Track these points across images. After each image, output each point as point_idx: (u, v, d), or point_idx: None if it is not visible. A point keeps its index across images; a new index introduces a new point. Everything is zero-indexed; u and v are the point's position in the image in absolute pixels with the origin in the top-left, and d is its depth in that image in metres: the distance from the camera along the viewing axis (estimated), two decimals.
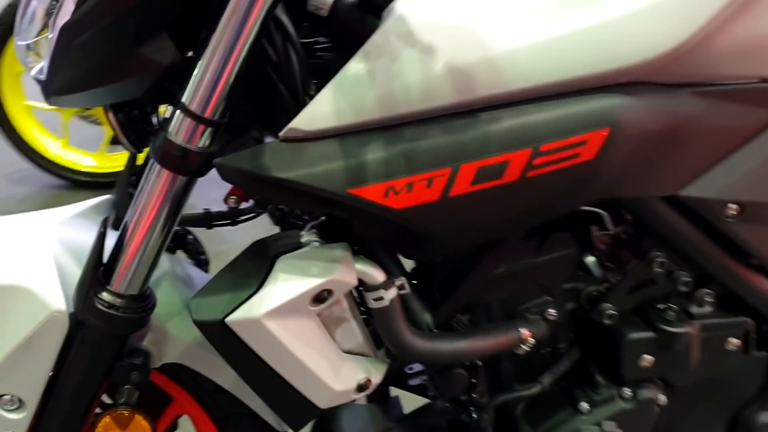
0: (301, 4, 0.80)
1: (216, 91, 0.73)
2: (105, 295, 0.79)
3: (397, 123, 0.74)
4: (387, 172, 0.72)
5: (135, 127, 0.84)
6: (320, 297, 0.78)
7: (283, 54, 0.78)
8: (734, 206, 0.87)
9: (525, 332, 0.92)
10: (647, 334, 0.95)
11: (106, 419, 0.86)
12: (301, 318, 0.79)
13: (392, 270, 0.87)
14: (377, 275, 0.83)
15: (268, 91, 0.80)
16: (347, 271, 0.79)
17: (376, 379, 0.88)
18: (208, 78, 0.72)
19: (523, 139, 0.74)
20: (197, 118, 0.73)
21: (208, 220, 0.95)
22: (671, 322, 0.95)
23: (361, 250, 0.85)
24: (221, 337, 0.76)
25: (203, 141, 0.74)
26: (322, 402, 0.84)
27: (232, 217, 0.95)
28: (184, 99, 0.73)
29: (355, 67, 0.73)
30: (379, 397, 1.05)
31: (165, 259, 0.95)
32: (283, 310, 0.76)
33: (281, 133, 0.73)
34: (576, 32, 0.75)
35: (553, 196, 0.79)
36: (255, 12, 0.70)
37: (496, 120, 0.74)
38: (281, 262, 0.78)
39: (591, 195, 0.83)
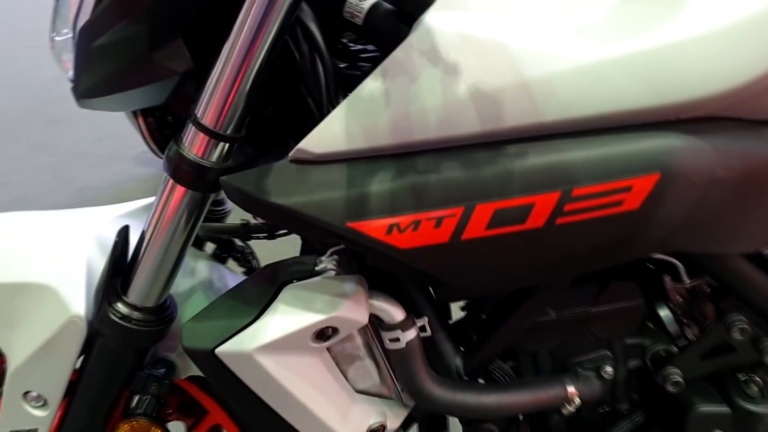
0: (338, 11, 0.74)
1: (227, 104, 0.68)
2: (120, 306, 0.77)
3: (412, 151, 0.66)
4: (392, 206, 0.64)
5: (167, 132, 0.82)
6: (324, 334, 0.73)
7: (310, 63, 0.72)
8: None
9: (572, 390, 0.81)
10: (722, 409, 0.81)
11: (125, 427, 0.86)
12: (302, 355, 0.73)
13: (419, 307, 0.79)
14: (395, 314, 0.76)
15: (299, 103, 0.75)
16: (356, 307, 0.73)
17: (393, 424, 0.81)
18: (220, 90, 0.68)
19: (552, 179, 0.64)
20: (210, 133, 0.69)
21: (246, 232, 0.92)
22: (753, 398, 0.80)
23: (383, 284, 0.78)
24: (212, 367, 0.72)
25: (217, 155, 0.70)
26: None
27: (269, 231, 0.91)
28: (196, 111, 0.69)
29: (371, 85, 0.65)
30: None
31: (204, 268, 0.94)
32: (280, 346, 0.71)
33: (290, 154, 0.68)
34: (630, 57, 0.63)
35: (590, 248, 0.68)
36: (270, 19, 0.65)
37: (522, 155, 0.64)
38: (286, 292, 0.73)
39: (641, 249, 0.71)
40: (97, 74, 0.71)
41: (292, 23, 0.69)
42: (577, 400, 0.81)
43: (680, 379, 0.80)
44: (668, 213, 0.66)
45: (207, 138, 0.69)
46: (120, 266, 0.78)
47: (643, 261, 0.81)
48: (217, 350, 0.71)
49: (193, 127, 0.69)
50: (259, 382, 0.73)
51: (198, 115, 0.69)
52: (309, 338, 0.72)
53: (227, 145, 0.70)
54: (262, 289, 0.75)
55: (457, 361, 0.82)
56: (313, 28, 0.72)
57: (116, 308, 0.77)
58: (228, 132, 0.70)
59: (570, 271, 0.73)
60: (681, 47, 0.63)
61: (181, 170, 0.71)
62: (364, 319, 0.73)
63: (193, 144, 0.70)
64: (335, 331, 0.73)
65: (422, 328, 0.78)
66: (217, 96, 0.68)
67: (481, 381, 0.85)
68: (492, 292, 0.79)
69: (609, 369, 0.84)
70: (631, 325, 0.85)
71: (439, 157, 0.65)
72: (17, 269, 0.83)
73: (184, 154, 0.70)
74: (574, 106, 0.63)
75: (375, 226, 0.64)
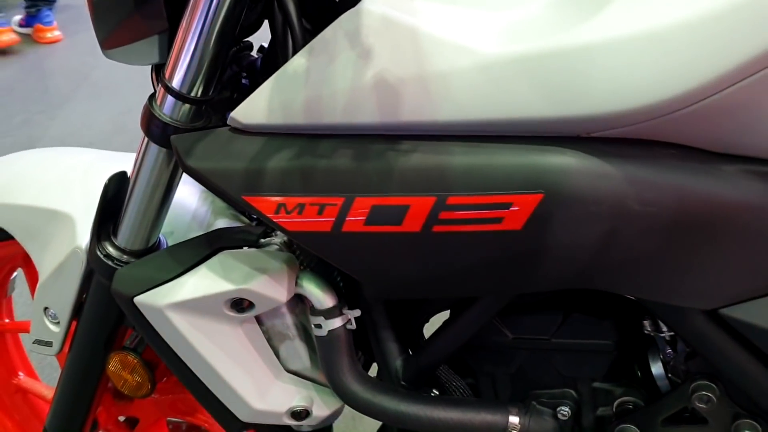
0: None
1: (191, 66, 0.70)
2: (108, 247, 0.84)
3: (321, 133, 0.65)
4: (282, 185, 0.64)
5: None
6: (238, 305, 0.74)
7: (282, 35, 0.73)
8: None
9: (514, 421, 0.74)
10: None
11: (116, 358, 0.95)
12: (219, 322, 0.75)
13: (360, 300, 0.77)
14: (323, 300, 0.75)
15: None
16: (275, 285, 0.73)
17: (320, 411, 0.80)
18: (184, 52, 0.70)
19: (428, 183, 0.59)
20: (175, 94, 0.71)
21: None
22: None
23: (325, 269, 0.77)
24: (132, 314, 0.76)
25: (184, 116, 0.73)
26: (241, 415, 0.79)
27: None
28: (164, 72, 0.72)
29: (297, 62, 0.65)
30: None
31: (220, 223, 0.98)
32: (192, 307, 0.74)
33: (228, 120, 0.70)
34: (533, 59, 0.56)
35: (477, 266, 0.61)
36: None
37: (408, 153, 0.60)
38: (218, 257, 0.76)
39: (550, 279, 0.62)
40: (101, 29, 0.76)
41: None
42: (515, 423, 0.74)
43: None
44: (565, 242, 0.57)
45: (173, 99, 0.72)
46: (111, 210, 0.85)
47: (623, 299, 0.71)
48: (135, 299, 0.75)
49: (161, 88, 0.73)
50: (171, 338, 0.76)
51: (165, 76, 0.72)
52: (223, 306, 0.74)
53: (193, 107, 0.73)
54: (199, 250, 0.77)
55: (398, 364, 0.79)
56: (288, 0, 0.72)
57: (104, 248, 0.84)
58: (193, 94, 0.72)
59: (464, 289, 0.67)
60: (590, 53, 0.54)
61: (151, 127, 0.74)
62: (282, 297, 0.73)
63: (162, 104, 0.73)
64: (251, 304, 0.74)
65: (349, 322, 0.76)
66: (181, 58, 0.70)
67: (435, 391, 0.81)
68: (403, 296, 0.74)
69: (566, 410, 0.75)
70: (599, 367, 0.75)
71: (339, 143, 0.63)
72: (55, 197, 0.95)
73: (154, 113, 0.73)
74: (467, 108, 0.58)
75: (265, 204, 0.64)
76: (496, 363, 0.79)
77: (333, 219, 0.62)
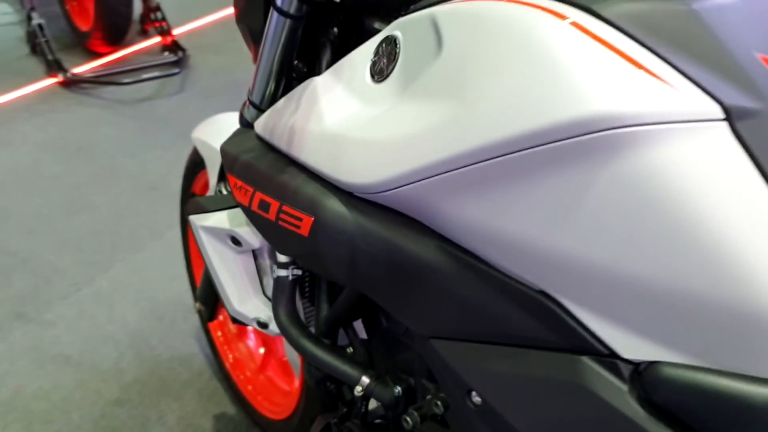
0: None
1: None
2: (248, 105, 1.00)
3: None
4: (244, 177, 0.92)
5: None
6: (235, 241, 1.05)
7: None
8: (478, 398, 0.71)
9: (365, 381, 0.92)
10: None
11: None
12: (224, 246, 1.09)
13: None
14: (279, 255, 1.01)
15: None
16: (253, 237, 1.05)
17: (275, 329, 1.05)
18: None
19: (276, 189, 0.83)
20: None
21: None
22: None
23: None
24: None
25: None
26: (228, 309, 1.12)
27: None
28: None
29: (282, 101, 0.90)
30: None
31: None
32: (211, 232, 1.09)
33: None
34: (333, 136, 0.77)
35: (301, 257, 0.89)
36: None
37: (298, 175, 0.83)
38: (236, 210, 1.06)
39: (338, 277, 0.81)
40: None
41: None
42: (359, 390, 0.93)
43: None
44: (331, 252, 0.77)
45: None
46: None
47: None
48: (189, 217, 1.12)
49: None
50: (200, 244, 1.11)
51: None
52: (226, 238, 1.05)
53: None
54: (231, 203, 1.07)
55: (321, 316, 1.01)
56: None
57: (244, 107, 1.01)
58: None
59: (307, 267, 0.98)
60: (353, 142, 0.73)
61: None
62: (255, 244, 1.06)
63: None
64: (239, 242, 1.06)
65: (293, 272, 1.01)
66: None
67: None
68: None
69: (398, 389, 0.92)
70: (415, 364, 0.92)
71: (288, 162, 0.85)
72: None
73: None
74: (308, 152, 0.80)
75: (233, 181, 0.93)
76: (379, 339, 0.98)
77: (248, 198, 0.89)
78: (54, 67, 3.59)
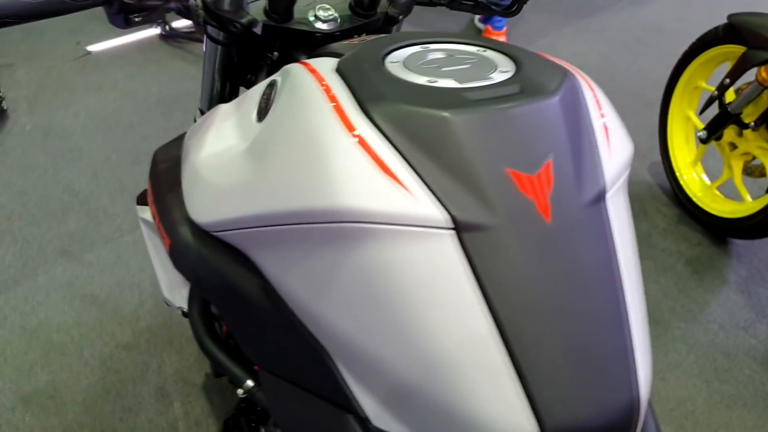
0: None
1: None
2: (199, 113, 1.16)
3: None
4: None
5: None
6: None
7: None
8: None
9: (250, 384, 0.91)
10: None
11: None
12: (157, 238, 1.10)
13: None
14: None
15: None
16: None
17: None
18: None
19: (158, 205, 0.91)
20: None
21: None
22: None
23: None
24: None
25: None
26: (162, 291, 1.17)
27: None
28: None
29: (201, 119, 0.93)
30: None
31: None
32: (146, 223, 1.14)
33: None
34: (197, 168, 0.81)
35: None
36: None
37: (176, 192, 0.87)
38: None
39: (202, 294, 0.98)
40: None
41: None
42: (241, 392, 0.92)
43: None
44: (189, 278, 0.87)
45: None
46: None
47: None
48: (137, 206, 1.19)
49: None
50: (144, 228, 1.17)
51: None
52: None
53: None
54: None
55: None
56: None
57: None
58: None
59: None
60: (205, 183, 0.77)
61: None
62: None
63: None
64: None
65: None
66: None
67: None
68: None
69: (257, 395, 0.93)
70: None
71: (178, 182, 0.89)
72: None
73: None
74: (184, 177, 0.84)
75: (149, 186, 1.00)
76: None
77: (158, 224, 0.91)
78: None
